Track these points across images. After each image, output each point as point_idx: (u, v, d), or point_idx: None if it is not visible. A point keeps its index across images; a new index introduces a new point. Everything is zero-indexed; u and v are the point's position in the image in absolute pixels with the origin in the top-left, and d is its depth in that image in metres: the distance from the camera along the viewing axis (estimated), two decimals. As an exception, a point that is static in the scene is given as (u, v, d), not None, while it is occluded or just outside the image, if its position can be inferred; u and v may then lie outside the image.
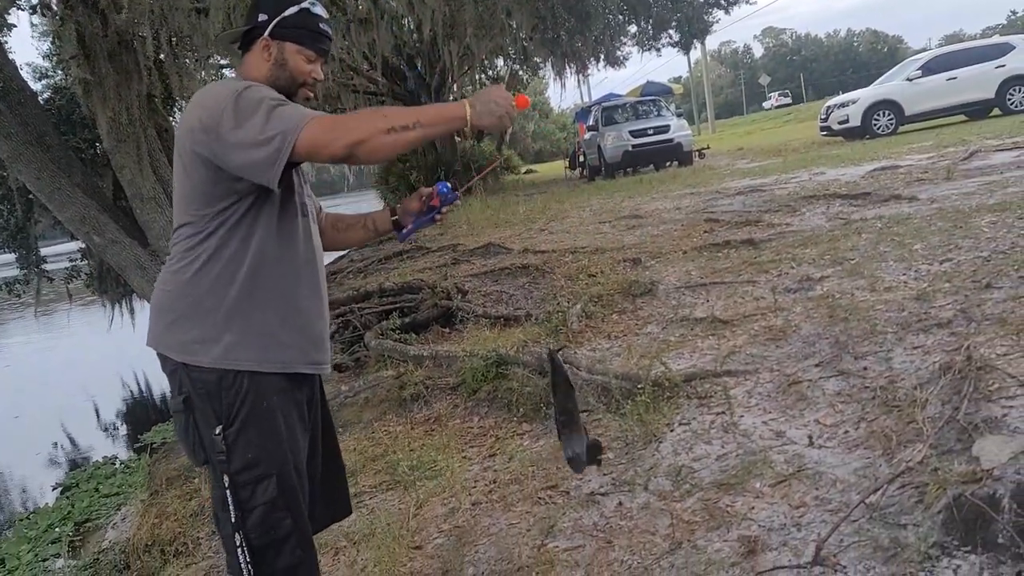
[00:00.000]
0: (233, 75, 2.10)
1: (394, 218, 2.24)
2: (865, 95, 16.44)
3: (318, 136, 1.69)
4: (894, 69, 17.92)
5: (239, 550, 1.82)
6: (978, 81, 15.15)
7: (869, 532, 2.09)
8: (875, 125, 15.59)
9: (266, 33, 1.91)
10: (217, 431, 1.82)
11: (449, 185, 2.11)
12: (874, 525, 2.11)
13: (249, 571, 1.82)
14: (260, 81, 1.89)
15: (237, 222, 1.83)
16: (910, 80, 15.62)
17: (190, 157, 1.81)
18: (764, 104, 77.00)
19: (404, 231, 2.20)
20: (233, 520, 1.82)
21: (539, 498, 2.97)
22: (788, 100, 72.15)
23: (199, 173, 1.81)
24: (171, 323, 1.88)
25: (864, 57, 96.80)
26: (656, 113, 19.29)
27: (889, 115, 15.63)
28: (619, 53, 22.33)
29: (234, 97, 1.74)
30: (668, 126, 17.81)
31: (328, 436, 2.16)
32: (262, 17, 1.92)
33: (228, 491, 1.83)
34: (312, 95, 2.01)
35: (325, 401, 2.16)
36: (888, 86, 16.32)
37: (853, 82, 55.39)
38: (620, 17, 20.08)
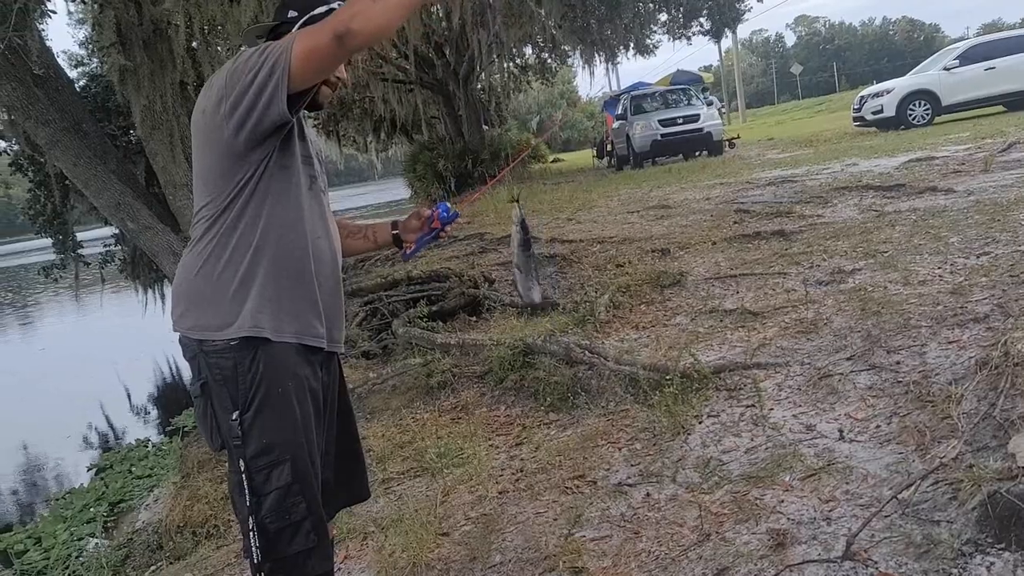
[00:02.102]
0: None
1: (395, 232, 2.27)
2: (900, 85, 16.16)
3: (308, 40, 1.69)
4: (930, 58, 17.59)
5: (251, 533, 1.84)
6: (1017, 71, 14.81)
7: (901, 528, 2.06)
8: (910, 115, 15.32)
9: (295, 29, 1.91)
10: (233, 416, 1.84)
11: (448, 205, 2.15)
12: (906, 521, 2.08)
13: (257, 554, 1.84)
14: None
15: (247, 200, 1.85)
16: (947, 70, 15.32)
17: (204, 137, 1.84)
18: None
19: (408, 252, 2.24)
20: (248, 504, 1.84)
21: (566, 487, 2.97)
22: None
23: (215, 151, 1.84)
24: (190, 304, 1.90)
25: (899, 46, 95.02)
26: (686, 102, 19.12)
27: (925, 105, 15.35)
28: (649, 41, 22.12)
29: (232, 64, 1.78)
30: (698, 115, 17.65)
31: (346, 419, 2.17)
32: (292, 14, 1.92)
33: (244, 476, 1.84)
34: (334, 93, 2.02)
35: (344, 384, 2.17)
36: (924, 76, 16.02)
37: (888, 71, 54.39)
38: (651, 5, 19.89)
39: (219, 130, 1.80)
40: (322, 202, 2.01)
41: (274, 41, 1.94)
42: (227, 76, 1.78)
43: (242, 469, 1.84)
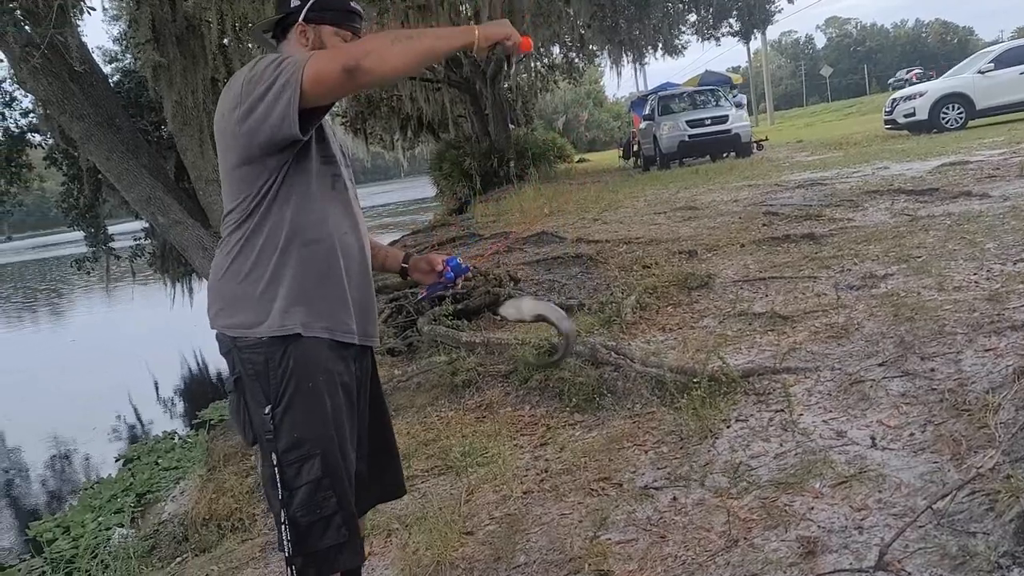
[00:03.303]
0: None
1: (404, 266, 2.31)
2: (934, 88, 15.93)
3: (320, 64, 1.69)
4: (964, 61, 17.31)
5: (283, 527, 1.86)
6: (1054, 75, 14.56)
7: (936, 539, 2.02)
8: (943, 119, 15.10)
9: (300, 18, 1.93)
10: (266, 410, 1.86)
11: (459, 260, 2.21)
12: (941, 532, 2.04)
13: (289, 548, 1.86)
14: None
15: (271, 203, 1.86)
16: (982, 73, 15.08)
17: (224, 140, 1.86)
18: (890, 82, 72.47)
19: (421, 296, 2.30)
20: (280, 498, 1.86)
21: (591, 489, 2.95)
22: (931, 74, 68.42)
23: (234, 155, 1.85)
24: (224, 304, 1.93)
25: (932, 49, 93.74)
26: (714, 103, 18.97)
27: (958, 109, 15.12)
28: (677, 42, 22.03)
29: (249, 72, 1.79)
30: (726, 116, 17.50)
31: (379, 413, 2.18)
32: (295, 3, 1.94)
33: (276, 469, 1.86)
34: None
35: (377, 379, 2.18)
36: (958, 79, 15.78)
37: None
38: (680, 5, 19.79)
39: (235, 136, 1.82)
40: (347, 199, 2.02)
41: (285, 40, 1.98)
42: (243, 83, 1.79)
43: (274, 463, 1.86)
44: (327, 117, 2.02)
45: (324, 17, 1.93)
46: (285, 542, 1.86)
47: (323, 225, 1.92)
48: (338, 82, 1.69)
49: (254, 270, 1.88)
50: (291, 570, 1.88)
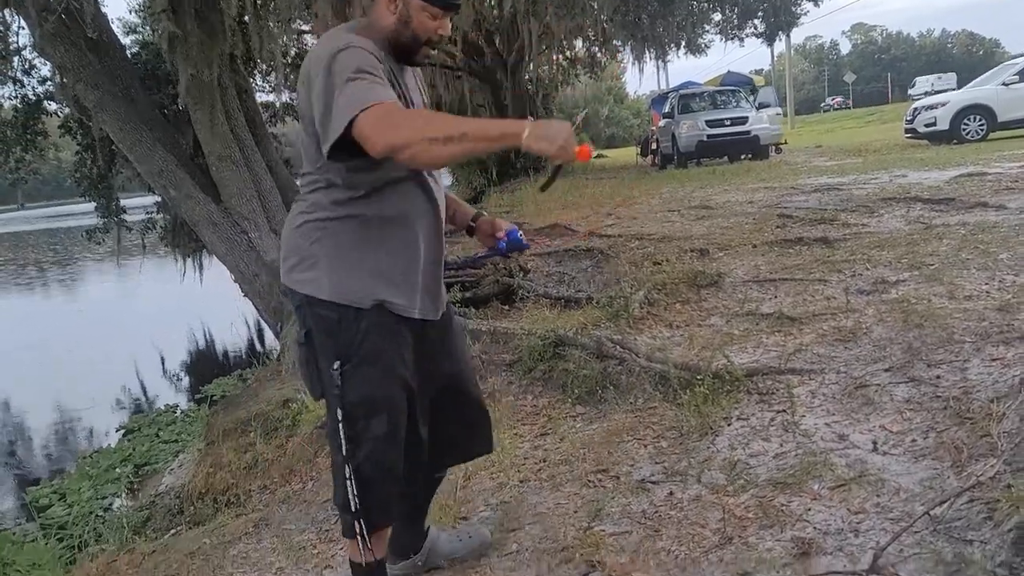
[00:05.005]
0: (343, 26, 2.10)
1: (471, 224, 2.31)
2: (956, 98, 15.79)
3: (365, 128, 1.69)
4: (988, 73, 17.14)
5: (348, 482, 1.95)
6: (1079, 90, 14.41)
7: (932, 545, 2.00)
8: (964, 130, 14.97)
9: None
10: (335, 366, 1.92)
11: (520, 233, 2.17)
12: (937, 538, 2.01)
13: (354, 501, 1.95)
14: (384, 33, 1.93)
15: (348, 171, 1.90)
16: (1006, 85, 14.94)
17: (304, 106, 1.89)
18: (821, 105, 74.14)
19: (476, 255, 2.28)
20: (344, 452, 1.94)
21: (588, 481, 2.93)
22: (848, 104, 69.40)
23: (306, 130, 1.90)
24: (296, 262, 1.98)
25: (957, 59, 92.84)
26: (735, 104, 18.85)
27: (980, 120, 14.99)
28: (701, 40, 21.87)
29: (328, 60, 1.79)
30: (746, 118, 17.39)
31: (458, 372, 2.24)
32: None
33: (341, 424, 1.94)
34: (435, 52, 2.03)
35: (453, 338, 2.24)
36: (981, 90, 15.63)
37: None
38: (704, 4, 19.64)
39: (309, 106, 1.85)
40: (427, 180, 2.04)
41: (374, 2, 1.96)
42: (311, 67, 1.83)
43: (340, 418, 1.94)
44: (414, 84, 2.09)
45: None
46: (350, 494, 1.95)
47: (399, 210, 1.96)
48: (377, 150, 1.70)
49: (329, 236, 1.94)
50: (358, 523, 1.97)
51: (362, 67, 1.77)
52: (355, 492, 1.94)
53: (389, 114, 1.71)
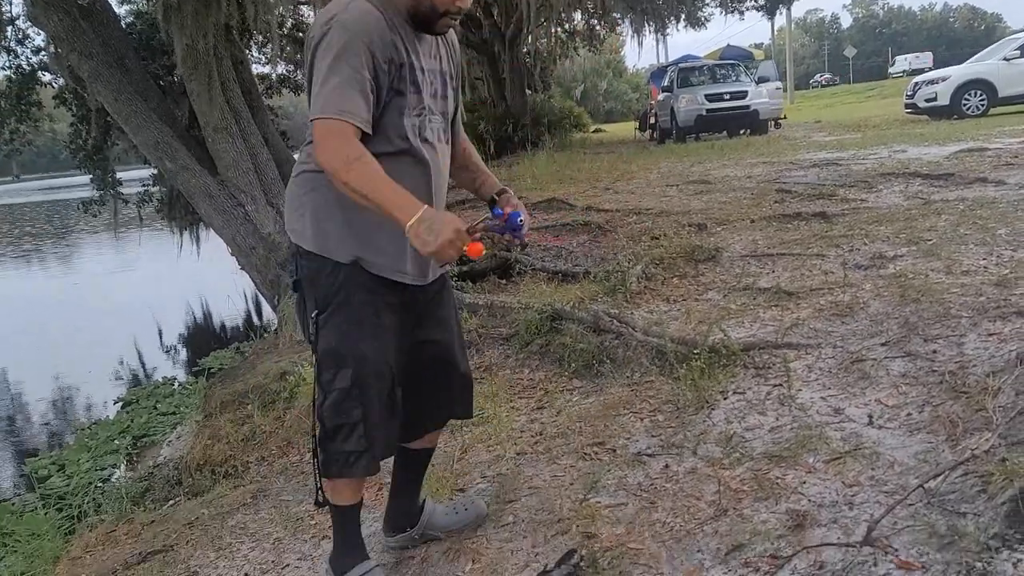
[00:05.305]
0: None
1: (494, 196, 2.26)
2: (957, 73, 15.71)
3: (318, 135, 1.82)
4: (990, 48, 17.05)
5: (314, 422, 2.06)
6: (1081, 65, 14.33)
7: (925, 517, 2.01)
8: (964, 105, 14.91)
9: None
10: (312, 315, 1.99)
11: (521, 218, 2.06)
12: (931, 511, 2.03)
13: (315, 442, 2.06)
14: (402, 5, 1.91)
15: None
16: (1007, 60, 14.85)
17: (310, 59, 1.91)
18: (811, 82, 73.79)
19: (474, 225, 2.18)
20: (314, 397, 2.06)
21: (584, 453, 2.94)
22: (835, 80, 69.23)
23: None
24: (292, 211, 2.05)
25: (959, 34, 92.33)
26: (734, 78, 18.72)
27: (981, 95, 14.93)
28: (701, 14, 21.70)
29: (324, 29, 1.83)
30: (745, 92, 17.28)
31: (447, 341, 2.23)
32: None
33: (315, 370, 2.03)
34: (455, 23, 2.01)
35: (445, 307, 2.24)
36: (982, 65, 15.56)
37: (944, 60, 52.88)
38: (705, -24, 19.45)
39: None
40: (432, 152, 2.04)
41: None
42: (315, 24, 1.88)
43: (315, 364, 2.02)
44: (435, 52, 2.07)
45: None
46: (315, 436, 2.05)
47: (396, 177, 1.89)
48: (315, 157, 1.85)
49: (320, 192, 1.97)
50: (316, 462, 2.08)
51: (342, 53, 1.80)
52: (317, 436, 2.05)
53: (337, 137, 1.79)
